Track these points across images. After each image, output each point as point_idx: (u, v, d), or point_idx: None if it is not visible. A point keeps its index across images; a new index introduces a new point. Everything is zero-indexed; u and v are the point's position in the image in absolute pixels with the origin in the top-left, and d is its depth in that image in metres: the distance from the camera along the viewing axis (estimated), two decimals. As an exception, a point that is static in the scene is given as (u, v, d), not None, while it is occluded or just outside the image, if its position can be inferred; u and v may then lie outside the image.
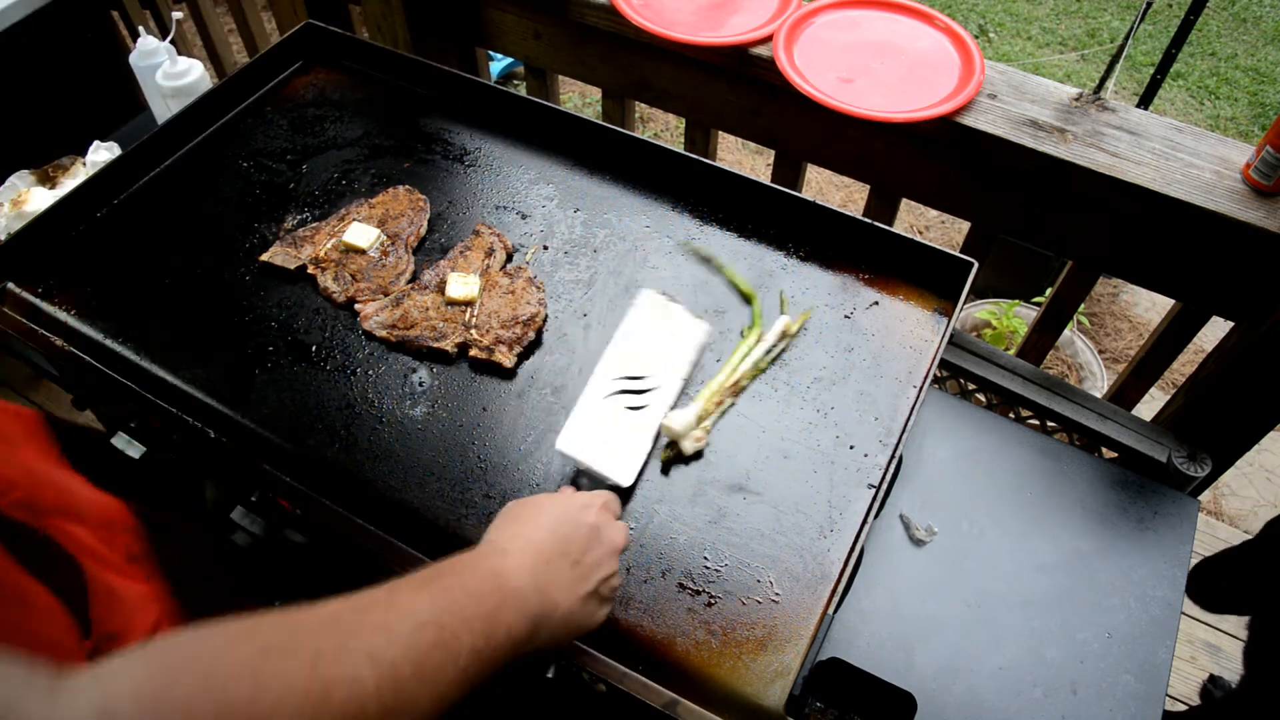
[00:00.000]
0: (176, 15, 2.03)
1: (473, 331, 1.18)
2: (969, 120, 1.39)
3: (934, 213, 3.72)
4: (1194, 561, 1.44)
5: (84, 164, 1.89)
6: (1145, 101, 2.79)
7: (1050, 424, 1.47)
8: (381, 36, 1.88)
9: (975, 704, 1.00)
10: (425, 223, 1.32)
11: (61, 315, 1.21)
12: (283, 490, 1.03)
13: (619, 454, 1.04)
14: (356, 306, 1.21)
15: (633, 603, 0.97)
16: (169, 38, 1.85)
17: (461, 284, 1.21)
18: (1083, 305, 1.90)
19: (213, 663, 0.54)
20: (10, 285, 1.24)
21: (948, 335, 1.17)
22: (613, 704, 0.93)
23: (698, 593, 0.98)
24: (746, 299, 1.23)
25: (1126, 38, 2.71)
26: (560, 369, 1.17)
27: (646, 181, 1.38)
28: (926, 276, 1.25)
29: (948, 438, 1.25)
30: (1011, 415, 1.50)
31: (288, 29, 1.63)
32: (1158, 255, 1.40)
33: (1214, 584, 1.76)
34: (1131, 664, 1.05)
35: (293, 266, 1.25)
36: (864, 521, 1.00)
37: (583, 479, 1.06)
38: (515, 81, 4.06)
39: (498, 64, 3.94)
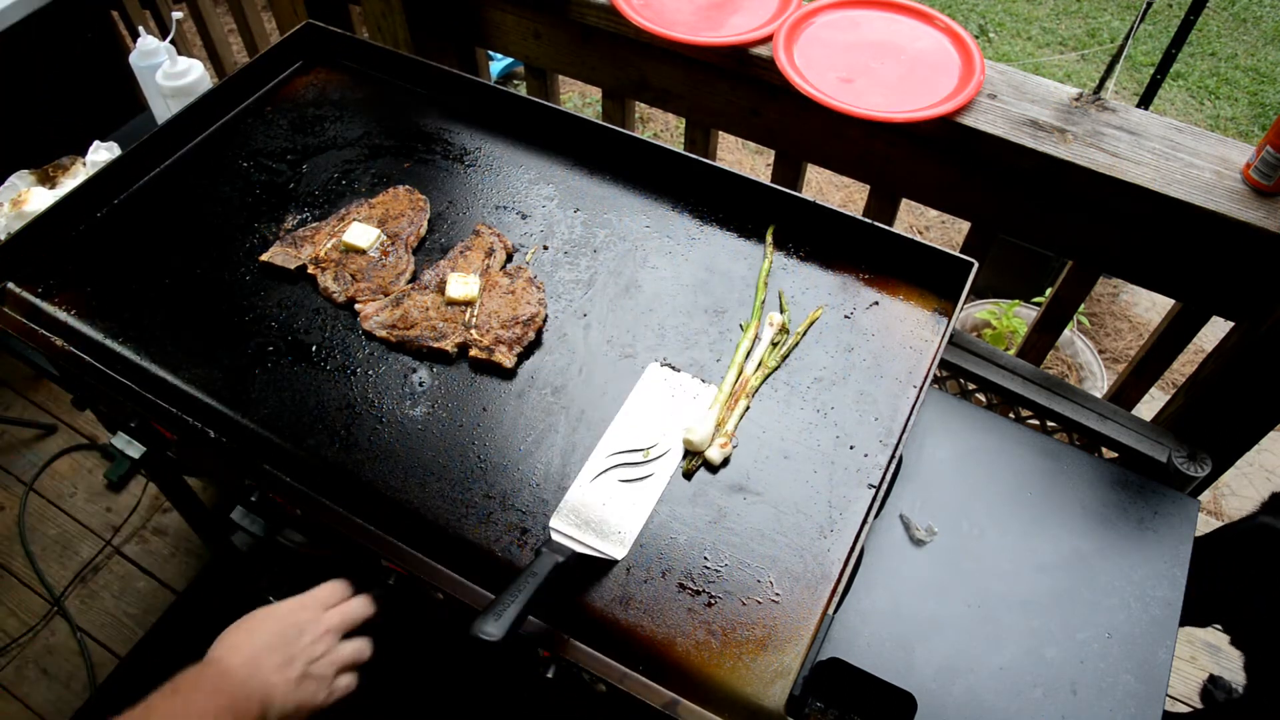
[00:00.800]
0: (176, 15, 2.03)
1: (473, 331, 1.18)
2: (969, 120, 1.39)
3: (934, 213, 3.72)
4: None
5: (84, 164, 1.89)
6: (1145, 101, 2.79)
7: (1050, 424, 1.47)
8: (381, 36, 1.88)
9: (975, 704, 1.00)
10: (425, 223, 1.32)
11: (61, 315, 1.21)
12: (283, 490, 1.04)
13: (613, 531, 1.02)
14: (356, 306, 1.21)
15: (633, 603, 0.97)
16: (169, 38, 1.85)
17: (461, 284, 1.21)
18: (1083, 305, 1.90)
19: None
20: (10, 285, 1.24)
21: (948, 335, 1.17)
22: (613, 704, 0.93)
23: (698, 593, 0.98)
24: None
25: (1126, 38, 2.71)
26: (560, 369, 1.17)
27: (646, 181, 1.38)
28: (926, 276, 1.25)
29: (948, 438, 1.25)
30: (1011, 415, 1.50)
31: (288, 29, 1.63)
32: (1158, 255, 1.40)
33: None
34: (1131, 664, 1.05)
35: (293, 266, 1.25)
36: (864, 521, 1.00)
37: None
38: (515, 81, 4.06)
39: (498, 64, 3.94)
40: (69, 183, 1.86)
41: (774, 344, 1.18)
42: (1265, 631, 1.51)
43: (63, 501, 2.27)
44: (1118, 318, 3.31)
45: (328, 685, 0.97)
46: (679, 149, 1.36)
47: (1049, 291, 1.70)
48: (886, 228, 1.25)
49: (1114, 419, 1.41)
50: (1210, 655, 2.20)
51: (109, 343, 1.19)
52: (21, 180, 1.85)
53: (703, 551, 1.01)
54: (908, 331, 1.21)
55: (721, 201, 1.35)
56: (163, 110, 1.90)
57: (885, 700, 0.90)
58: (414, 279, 1.26)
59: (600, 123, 1.40)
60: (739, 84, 1.62)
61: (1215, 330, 1.74)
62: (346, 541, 1.01)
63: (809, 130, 1.61)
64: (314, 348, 1.19)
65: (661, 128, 4.09)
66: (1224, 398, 1.43)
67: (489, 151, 1.44)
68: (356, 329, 1.21)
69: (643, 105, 2.03)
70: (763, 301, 1.22)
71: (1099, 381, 2.75)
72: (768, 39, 1.52)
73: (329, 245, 1.28)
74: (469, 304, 1.21)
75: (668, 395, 1.13)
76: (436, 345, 1.16)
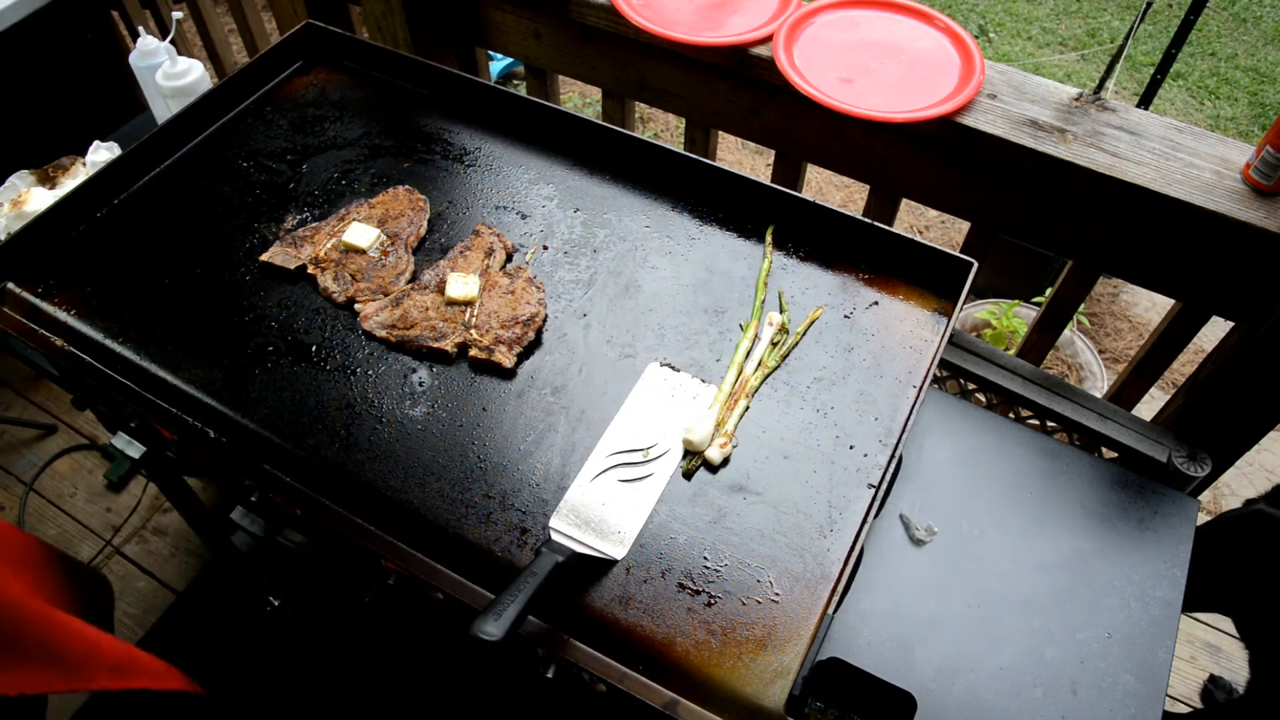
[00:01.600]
0: (176, 15, 2.03)
1: (472, 331, 1.18)
2: (969, 120, 1.39)
3: (934, 213, 3.72)
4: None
5: (84, 164, 1.89)
6: (1145, 101, 2.79)
7: (1050, 424, 1.47)
8: (381, 36, 1.88)
9: (975, 704, 1.00)
10: (425, 223, 1.32)
11: (61, 315, 1.21)
12: (283, 490, 1.04)
13: (613, 530, 1.02)
14: (356, 306, 1.21)
15: (633, 603, 0.97)
16: (169, 38, 1.85)
17: (461, 284, 1.21)
18: (1083, 305, 1.90)
19: None
20: (10, 285, 1.24)
21: (948, 335, 1.17)
22: (613, 704, 0.93)
23: (698, 593, 0.98)
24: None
25: (1126, 38, 2.71)
26: (560, 369, 1.17)
27: (646, 181, 1.38)
28: (926, 276, 1.25)
29: (948, 438, 1.25)
30: (1011, 415, 1.50)
31: (288, 29, 1.63)
32: (1158, 255, 1.40)
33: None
34: (1131, 664, 1.05)
35: (293, 266, 1.25)
36: (864, 521, 1.00)
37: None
38: (515, 81, 4.06)
39: (498, 64, 3.94)
40: (69, 183, 1.86)
41: (774, 344, 1.18)
42: (1265, 619, 1.51)
43: (63, 501, 2.27)
44: (1118, 318, 3.31)
45: None
46: (679, 149, 1.36)
47: (1049, 291, 1.70)
48: (886, 228, 1.25)
49: (1114, 419, 1.41)
50: (1210, 655, 2.20)
51: (109, 343, 1.19)
52: (21, 180, 1.85)
53: (702, 551, 1.01)
54: (908, 331, 1.21)
55: (721, 201, 1.35)
56: (163, 110, 1.90)
57: (885, 700, 0.90)
58: (414, 279, 1.26)
59: (600, 123, 1.40)
60: (739, 84, 1.62)
61: (1215, 330, 1.74)
62: (346, 541, 1.01)
63: (809, 130, 1.61)
64: (314, 348, 1.19)
65: (661, 128, 4.09)
66: (1224, 398, 1.43)
67: (489, 151, 1.44)
68: (356, 329, 1.21)
69: (643, 105, 2.03)
70: (762, 301, 1.22)
71: (1099, 381, 2.75)
72: (768, 39, 1.52)
73: (329, 245, 1.28)
74: (469, 304, 1.21)
75: (667, 395, 1.13)
76: (436, 345, 1.16)
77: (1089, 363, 2.81)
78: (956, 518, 1.16)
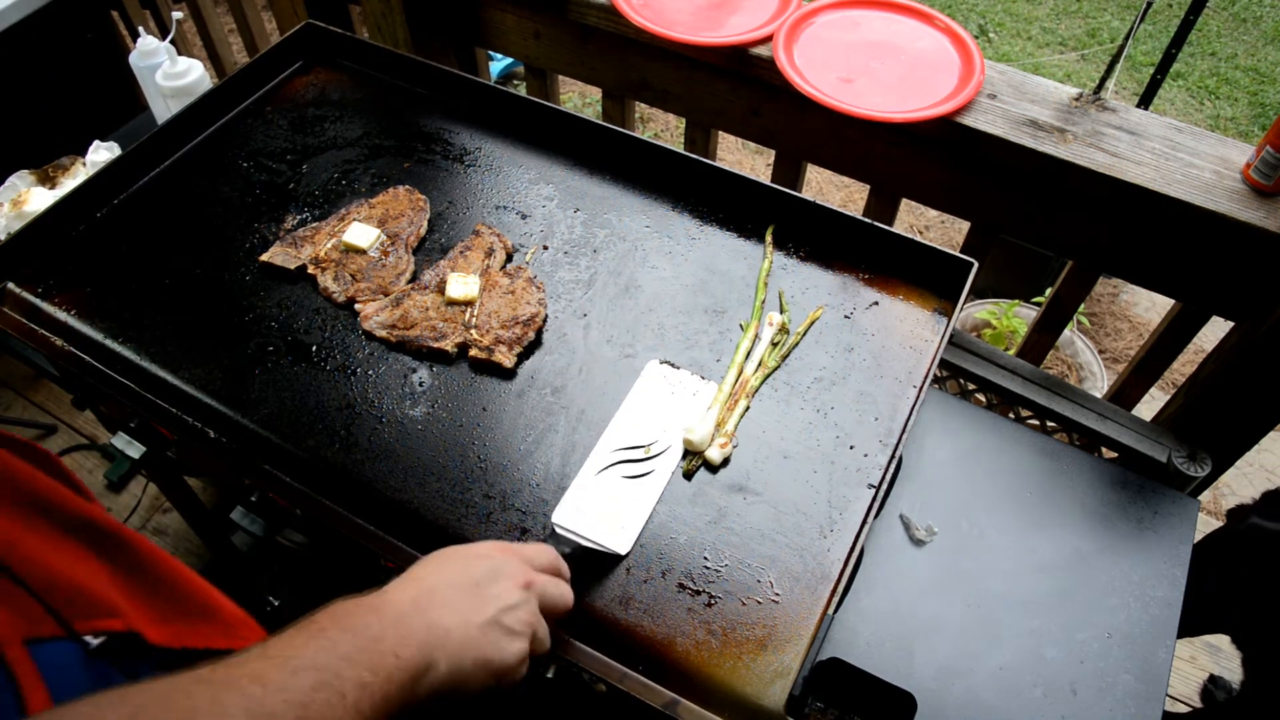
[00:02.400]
0: (176, 15, 2.03)
1: (473, 331, 1.18)
2: (969, 120, 1.39)
3: (934, 213, 3.72)
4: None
5: (84, 164, 1.89)
6: (1145, 101, 2.79)
7: (1050, 424, 1.47)
8: (381, 36, 1.88)
9: (975, 704, 1.00)
10: (425, 223, 1.32)
11: (61, 315, 1.21)
12: (283, 490, 1.03)
13: (616, 525, 1.02)
14: (356, 306, 1.21)
15: (633, 603, 0.97)
16: (169, 38, 1.85)
17: (461, 284, 1.21)
18: (1083, 305, 1.90)
19: None
20: (10, 285, 1.24)
21: (948, 335, 1.17)
22: (613, 704, 0.93)
23: (698, 593, 0.98)
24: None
25: (1126, 38, 2.71)
26: (560, 369, 1.17)
27: (646, 181, 1.38)
28: (926, 276, 1.25)
29: (948, 438, 1.25)
30: (1011, 415, 1.50)
31: (288, 29, 1.63)
32: (1158, 255, 1.40)
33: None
34: (1131, 664, 1.05)
35: (293, 266, 1.25)
36: (864, 521, 1.00)
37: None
38: (515, 81, 4.06)
39: (498, 64, 3.94)
40: (69, 183, 1.86)
41: (774, 344, 1.18)
42: (1264, 634, 1.50)
43: (63, 501, 2.27)
44: (1118, 318, 3.31)
45: (520, 641, 0.77)
46: (679, 149, 1.36)
47: (1049, 291, 1.70)
48: (886, 228, 1.25)
49: (1114, 419, 1.41)
50: (1210, 655, 2.20)
51: (109, 343, 1.19)
52: (21, 180, 1.85)
53: (703, 551, 1.01)
54: (908, 331, 1.21)
55: (721, 201, 1.35)
56: (163, 110, 1.90)
57: (885, 700, 0.90)
58: (414, 279, 1.26)
59: (600, 123, 1.40)
60: (739, 84, 1.62)
61: (1215, 330, 1.74)
62: (346, 541, 1.01)
63: (809, 130, 1.61)
64: (314, 348, 1.19)
65: (661, 128, 4.08)
66: (1224, 398, 1.43)
67: (489, 151, 1.44)
68: (356, 329, 1.21)
69: (643, 105, 2.03)
70: (763, 301, 1.22)
71: (1099, 381, 2.75)
72: (768, 39, 1.52)
73: (329, 245, 1.28)
74: (469, 304, 1.21)
75: (668, 392, 1.13)
76: (436, 345, 1.16)
77: (1089, 363, 2.81)
78: (956, 518, 1.16)
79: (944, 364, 1.48)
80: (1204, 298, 1.42)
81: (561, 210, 1.35)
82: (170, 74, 1.80)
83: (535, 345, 1.19)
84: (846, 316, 1.23)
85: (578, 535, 0.98)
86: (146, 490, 2.28)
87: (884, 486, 1.02)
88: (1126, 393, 1.69)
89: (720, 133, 1.80)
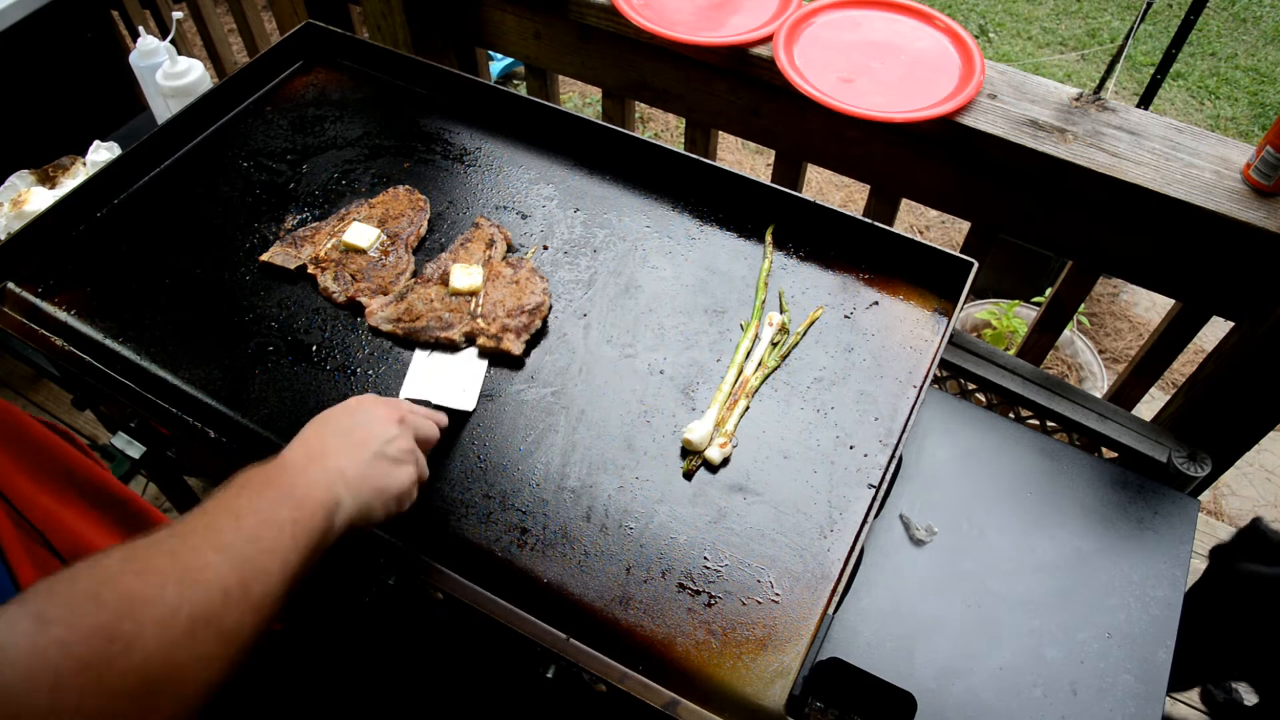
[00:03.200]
0: (176, 15, 2.03)
1: (479, 321, 1.18)
2: (969, 120, 1.39)
3: (934, 213, 3.72)
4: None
5: (84, 164, 1.89)
6: (1145, 101, 2.79)
7: (1050, 424, 1.47)
8: (381, 36, 1.88)
9: (975, 704, 1.00)
10: (425, 223, 1.32)
11: (61, 315, 1.21)
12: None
13: (457, 388, 1.13)
14: (362, 301, 1.22)
15: (633, 603, 0.97)
16: (169, 38, 1.85)
17: (465, 274, 1.21)
18: (1083, 305, 1.90)
19: (99, 573, 0.64)
20: (10, 285, 1.24)
21: (948, 335, 1.17)
22: (613, 704, 0.93)
23: (698, 593, 0.98)
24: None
25: (1126, 38, 2.71)
26: (560, 369, 1.17)
27: (646, 181, 1.38)
28: (926, 276, 1.25)
29: (948, 438, 1.25)
30: (1011, 415, 1.50)
31: (288, 29, 1.63)
32: (1157, 255, 1.40)
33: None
34: (1131, 664, 1.05)
35: (293, 266, 1.25)
36: (864, 521, 1.00)
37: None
38: (515, 81, 4.06)
39: (498, 64, 3.94)
40: (69, 183, 1.86)
41: (774, 344, 1.18)
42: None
43: (63, 501, 2.27)
44: (1118, 318, 3.31)
45: (406, 467, 0.91)
46: (679, 149, 1.36)
47: (1049, 291, 1.70)
48: (886, 228, 1.25)
49: (1114, 419, 1.41)
50: (1210, 655, 2.19)
51: (109, 343, 1.19)
52: (21, 180, 1.85)
53: (703, 551, 1.01)
54: (908, 331, 1.21)
55: (721, 201, 1.35)
56: (163, 110, 1.90)
57: (885, 700, 0.90)
58: (414, 278, 1.26)
59: (600, 123, 1.40)
60: (739, 84, 1.62)
61: (1215, 330, 1.74)
62: (345, 541, 1.01)
63: (809, 130, 1.60)
64: (314, 348, 1.19)
65: (661, 128, 4.08)
66: (1224, 398, 1.43)
67: (489, 151, 1.44)
68: (357, 329, 1.21)
69: (643, 105, 2.03)
70: (763, 301, 1.22)
71: (1099, 381, 2.75)
72: (768, 39, 1.52)
73: (329, 245, 1.28)
74: (474, 294, 1.21)
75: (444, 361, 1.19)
76: (444, 335, 1.17)
77: (1089, 363, 2.81)
78: (956, 518, 1.16)
79: (944, 364, 1.48)
80: (1204, 298, 1.42)
81: (561, 210, 1.35)
82: (170, 74, 1.79)
83: (541, 334, 1.20)
84: (846, 316, 1.23)
85: (430, 400, 1.10)
86: (146, 490, 2.28)
87: (884, 486, 1.02)
88: (1126, 393, 1.69)
89: (720, 133, 1.80)
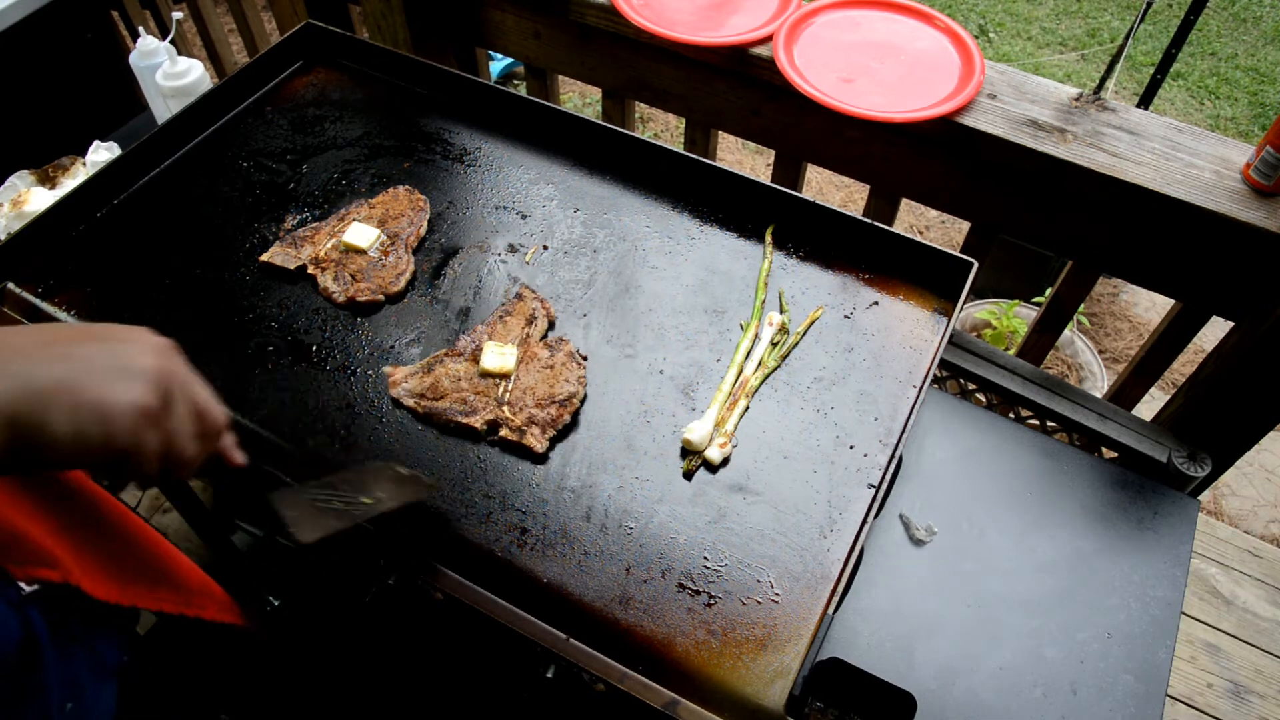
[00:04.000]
0: (176, 15, 2.03)
1: (505, 409, 1.10)
2: (969, 120, 1.39)
3: (934, 213, 3.72)
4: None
5: (84, 164, 1.89)
6: (1145, 101, 2.79)
7: (1050, 424, 1.47)
8: (381, 36, 1.88)
9: (975, 704, 1.00)
10: (425, 223, 1.32)
11: (61, 315, 1.21)
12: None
13: None
14: (385, 370, 1.15)
15: (633, 603, 0.97)
16: (169, 38, 1.85)
17: (497, 355, 1.13)
18: (1083, 305, 1.90)
19: None
20: (10, 285, 1.24)
21: (948, 335, 1.17)
22: (613, 704, 0.93)
23: (698, 593, 0.98)
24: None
25: (1126, 38, 2.71)
26: (560, 369, 1.17)
27: (646, 181, 1.38)
28: (926, 276, 1.25)
29: (948, 438, 1.25)
30: (1011, 415, 1.50)
31: (288, 29, 1.63)
32: (1158, 255, 1.40)
33: None
34: (1131, 664, 1.05)
35: (293, 266, 1.25)
36: (864, 521, 1.00)
37: None
38: (515, 81, 4.06)
39: (498, 64, 3.94)
40: (69, 183, 1.86)
41: (774, 344, 1.18)
42: None
43: (63, 501, 2.27)
44: (1118, 318, 3.31)
45: (126, 382, 0.68)
46: (679, 149, 1.36)
47: (1049, 291, 1.70)
48: (886, 228, 1.25)
49: (1114, 419, 1.41)
50: (1210, 655, 2.20)
51: (109, 343, 1.18)
52: (21, 180, 1.85)
53: (703, 551, 1.01)
54: (908, 331, 1.21)
55: (721, 201, 1.35)
56: (163, 110, 1.90)
57: (885, 700, 0.90)
58: (413, 280, 1.26)
59: (600, 123, 1.40)
60: (739, 84, 1.62)
61: (1215, 330, 1.74)
62: (345, 542, 1.01)
63: (809, 130, 1.61)
64: (314, 348, 1.19)
65: (661, 128, 4.09)
66: (1224, 398, 1.43)
67: (489, 151, 1.44)
68: (356, 329, 1.21)
69: (643, 105, 2.03)
70: (763, 301, 1.22)
71: (1099, 381, 2.75)
72: (768, 39, 1.52)
73: (329, 245, 1.28)
74: (504, 377, 1.13)
75: None
76: (465, 421, 1.09)
77: (1089, 363, 2.81)
78: (956, 518, 1.16)
79: (944, 364, 1.48)
80: (1204, 298, 1.42)
81: (561, 210, 1.35)
82: (170, 74, 1.79)
83: (570, 428, 1.11)
84: (846, 316, 1.23)
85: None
86: (146, 490, 2.28)
87: (884, 486, 1.02)
88: (1126, 393, 1.69)
89: (720, 133, 1.81)
